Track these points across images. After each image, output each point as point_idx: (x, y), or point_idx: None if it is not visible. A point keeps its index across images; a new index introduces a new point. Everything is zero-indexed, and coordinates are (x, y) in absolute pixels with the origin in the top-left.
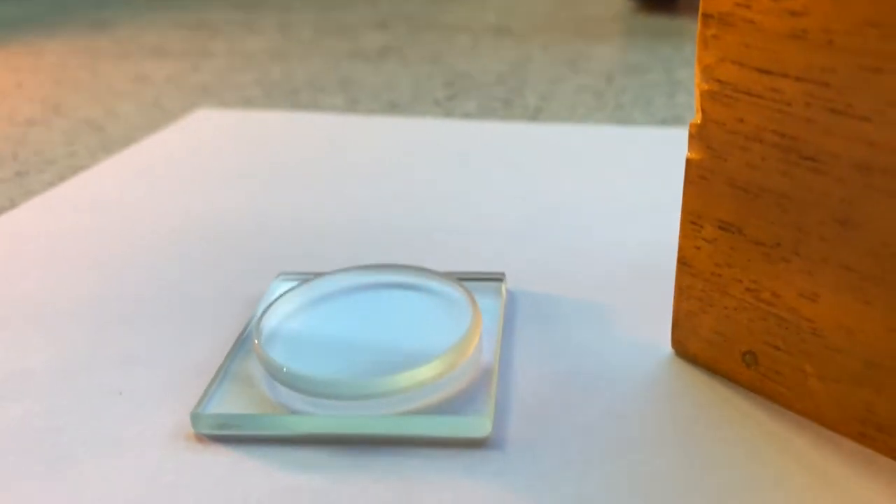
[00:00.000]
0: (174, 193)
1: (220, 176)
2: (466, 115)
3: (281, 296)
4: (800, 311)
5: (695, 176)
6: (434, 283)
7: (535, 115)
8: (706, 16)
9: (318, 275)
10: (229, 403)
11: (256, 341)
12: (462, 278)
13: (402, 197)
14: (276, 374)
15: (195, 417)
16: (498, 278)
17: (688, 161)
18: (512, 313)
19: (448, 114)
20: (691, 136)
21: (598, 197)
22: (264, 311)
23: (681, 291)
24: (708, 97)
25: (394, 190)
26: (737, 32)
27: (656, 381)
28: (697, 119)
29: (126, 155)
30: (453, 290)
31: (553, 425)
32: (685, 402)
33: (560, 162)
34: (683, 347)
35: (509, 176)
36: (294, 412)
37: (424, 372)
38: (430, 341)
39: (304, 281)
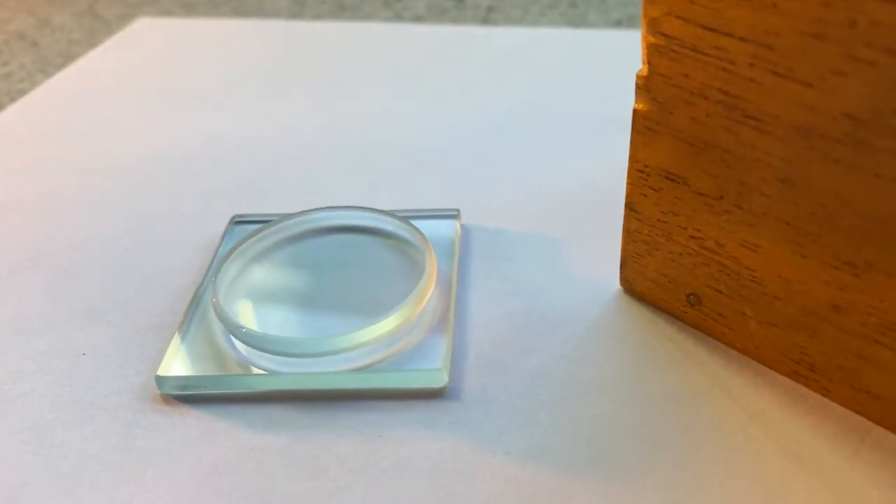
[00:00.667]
0: (120, 122)
1: (167, 98)
2: (417, 18)
3: (235, 247)
4: (741, 260)
5: (641, 126)
6: (389, 226)
7: (486, 14)
8: (635, 112)
9: (269, 222)
10: (192, 363)
11: (214, 299)
12: (417, 216)
13: (350, 115)
14: (236, 333)
15: (160, 380)
16: (452, 215)
17: (635, 111)
18: (466, 251)
19: (398, 16)
20: (638, 88)
21: (553, 111)
22: (220, 265)
23: (628, 234)
24: (654, 50)
25: (342, 108)
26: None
27: (605, 320)
28: (644, 71)
29: (66, 76)
30: (408, 234)
31: (507, 371)
32: (632, 342)
33: (512, 69)
34: (631, 286)
35: (461, 88)
36: (255, 370)
37: (382, 326)
38: (387, 291)
39: (257, 231)
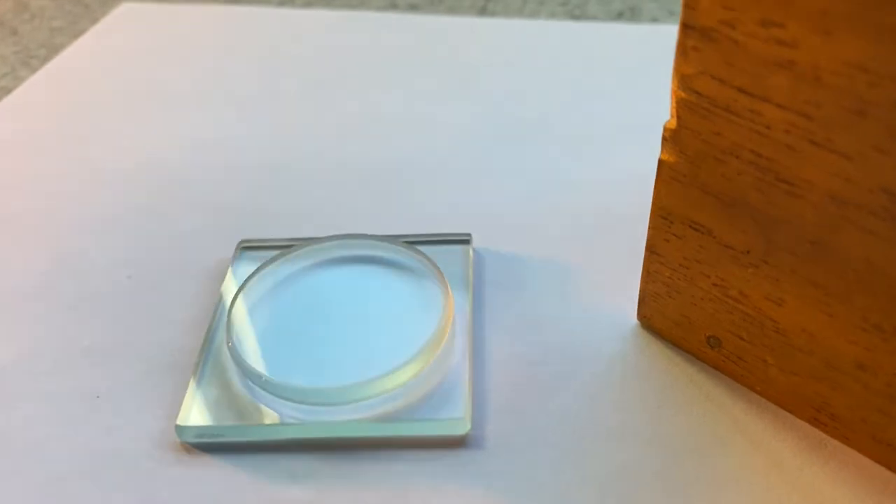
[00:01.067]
0: (111, 125)
1: (158, 95)
2: (412, 6)
3: (244, 284)
4: (765, 311)
5: (667, 177)
6: (402, 257)
7: (485, 4)
8: (687, 26)
9: (277, 254)
10: (211, 410)
11: (229, 343)
12: (428, 241)
13: (348, 116)
14: (255, 380)
15: (180, 430)
16: (465, 240)
17: (660, 162)
18: (479, 278)
19: (393, 5)
20: (665, 140)
21: (559, 113)
22: (230, 302)
23: (648, 274)
24: (684, 106)
25: (339, 108)
26: (719, 49)
27: (624, 359)
28: (672, 124)
29: (50, 71)
30: (423, 266)
31: (528, 416)
32: (652, 383)
33: (511, 64)
34: (649, 323)
35: (460, 85)
36: (275, 418)
37: (404, 374)
38: (404, 329)
39: (265, 264)
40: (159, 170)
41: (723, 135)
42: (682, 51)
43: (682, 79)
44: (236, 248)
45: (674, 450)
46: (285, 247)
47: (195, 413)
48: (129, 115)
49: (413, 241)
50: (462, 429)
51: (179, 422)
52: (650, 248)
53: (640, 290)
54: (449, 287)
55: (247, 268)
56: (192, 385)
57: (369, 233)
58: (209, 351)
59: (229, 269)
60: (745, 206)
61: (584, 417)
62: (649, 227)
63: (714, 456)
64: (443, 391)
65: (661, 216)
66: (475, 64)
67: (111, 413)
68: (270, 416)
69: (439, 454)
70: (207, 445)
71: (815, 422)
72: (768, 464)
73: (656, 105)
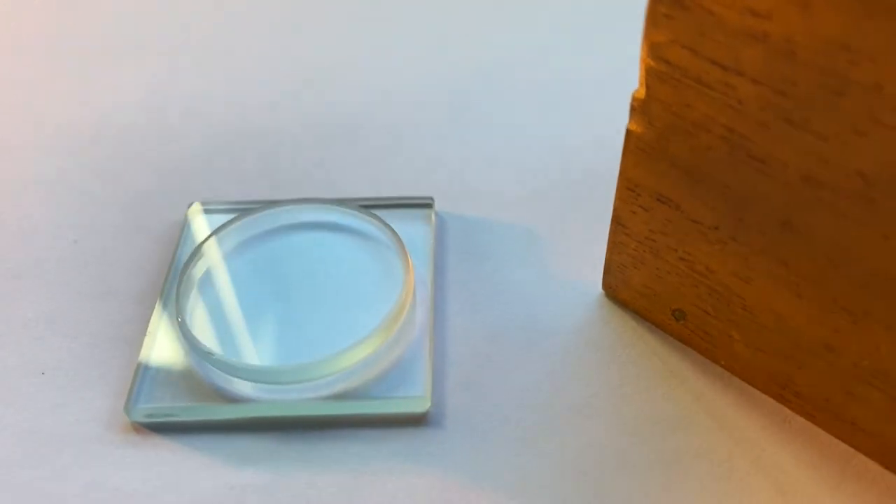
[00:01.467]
0: (50, 77)
1: (103, 46)
2: None
3: (195, 252)
4: (732, 287)
5: (634, 147)
6: (362, 224)
7: None
8: (629, 132)
9: (231, 220)
10: (161, 389)
11: (180, 319)
12: (388, 205)
13: (307, 69)
14: (206, 359)
15: (129, 408)
16: (426, 203)
17: (628, 132)
18: (441, 246)
19: None
20: (633, 109)
21: (531, 70)
22: (181, 274)
23: (614, 245)
24: (654, 75)
25: (297, 58)
26: (692, 18)
27: (588, 331)
28: (641, 93)
29: None
30: (383, 234)
31: (490, 392)
32: (617, 357)
33: (480, 14)
34: (614, 293)
35: (427, 32)
36: (229, 398)
37: (362, 350)
38: (363, 301)
39: (218, 230)
40: (106, 126)
41: (693, 107)
42: (653, 18)
43: (652, 47)
44: (188, 211)
45: (636, 428)
46: (238, 210)
47: (145, 391)
48: (72, 67)
49: (373, 205)
50: (422, 406)
51: (129, 400)
52: (616, 220)
53: (606, 261)
54: (409, 258)
55: (199, 232)
56: (141, 361)
57: (326, 194)
58: (159, 324)
59: (180, 234)
60: (715, 181)
61: (547, 393)
62: (616, 198)
63: (677, 434)
64: (402, 367)
65: (628, 188)
66: (438, 11)
67: (57, 390)
68: (224, 395)
69: (399, 433)
70: (158, 425)
71: (780, 398)
72: (731, 442)
73: (631, 62)
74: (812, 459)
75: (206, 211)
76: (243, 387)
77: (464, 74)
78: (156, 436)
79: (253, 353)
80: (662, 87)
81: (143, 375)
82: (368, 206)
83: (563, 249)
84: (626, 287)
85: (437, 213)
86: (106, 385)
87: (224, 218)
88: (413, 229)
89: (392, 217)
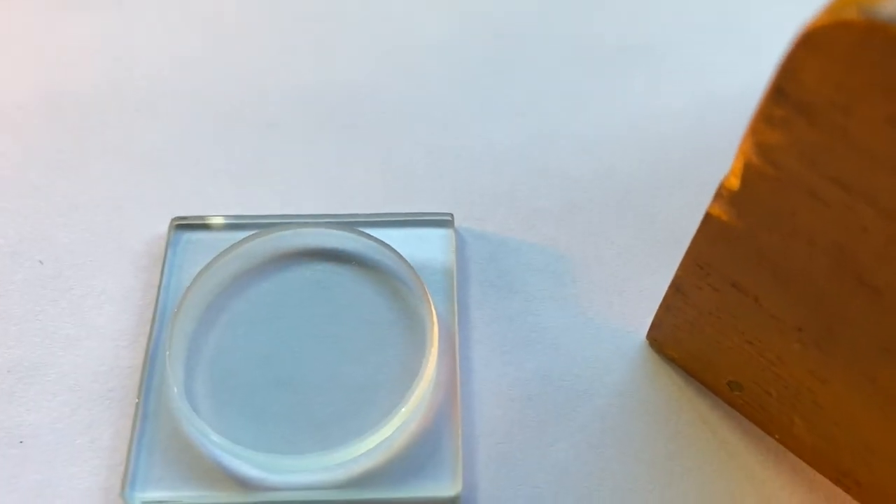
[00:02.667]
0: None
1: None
2: None
3: (184, 297)
4: (804, 382)
5: (714, 233)
6: (374, 253)
7: None
8: (780, 93)
9: (222, 253)
10: (162, 468)
11: (176, 389)
12: (402, 221)
13: (300, 41)
14: (207, 437)
15: (127, 496)
16: (445, 221)
17: (709, 216)
18: (464, 274)
19: None
20: (720, 196)
21: (562, 38)
22: (172, 323)
23: (668, 308)
24: (755, 172)
25: (288, 32)
26: (819, 132)
27: (632, 389)
28: (733, 185)
29: None
30: (398, 268)
31: (525, 468)
32: (662, 426)
33: None
34: (660, 347)
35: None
36: (236, 479)
37: (382, 433)
38: (381, 370)
39: (206, 268)
40: (66, 106)
41: (799, 216)
42: (768, 117)
43: (761, 146)
44: (169, 227)
45: None
46: (223, 224)
47: (143, 470)
48: (22, 30)
49: (381, 223)
50: (451, 491)
51: (125, 482)
52: (676, 287)
53: (657, 317)
54: (431, 302)
55: (184, 256)
56: (136, 429)
57: (324, 209)
58: (150, 380)
59: (164, 258)
60: (808, 290)
61: (587, 471)
62: (680, 269)
63: None
64: (428, 443)
65: (698, 264)
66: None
67: (40, 465)
68: (231, 476)
69: None
70: None
71: (837, 482)
72: None
73: (692, 30)
74: None
75: (190, 226)
76: (252, 469)
77: (487, 54)
78: None
79: (258, 434)
80: (763, 186)
81: (139, 450)
82: (378, 222)
83: (600, 281)
84: (676, 346)
85: (457, 232)
86: (96, 457)
87: (209, 237)
88: (430, 254)
89: (407, 239)
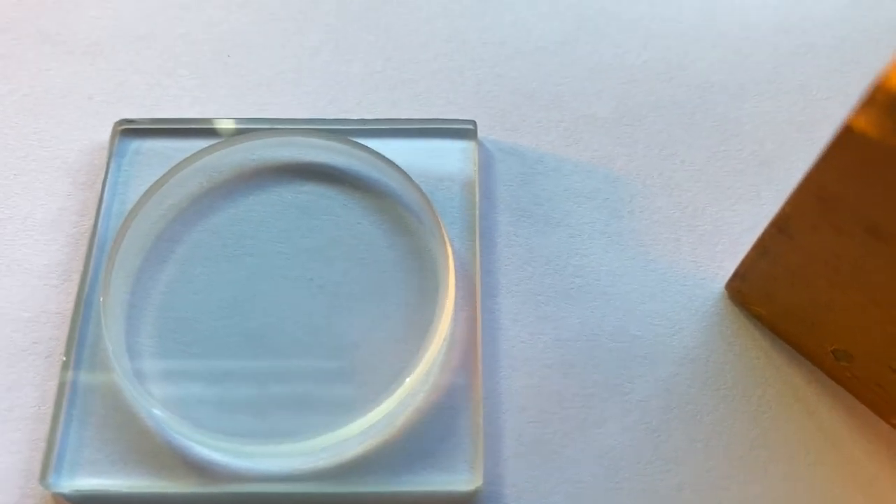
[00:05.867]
0: None
1: None
2: None
3: (127, 224)
4: None
5: (854, 155)
6: (368, 169)
7: None
8: (850, 131)
9: (176, 165)
10: (94, 449)
11: (111, 347)
12: (415, 130)
13: None
14: (152, 410)
15: (48, 481)
16: (466, 131)
17: (848, 129)
18: (489, 200)
19: None
20: (872, 103)
21: None
22: (112, 254)
23: (763, 252)
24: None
25: None
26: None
27: (704, 355)
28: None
29: None
30: (400, 187)
31: (557, 461)
32: (743, 401)
33: None
34: (743, 300)
35: None
36: (190, 464)
37: (380, 411)
38: (381, 327)
39: (155, 187)
40: None
41: None
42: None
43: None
44: (113, 133)
45: None
46: (182, 130)
47: (71, 451)
48: None
49: (383, 131)
50: (470, 484)
51: (47, 467)
52: (780, 226)
53: (744, 263)
54: (446, 236)
55: (131, 170)
56: (63, 399)
57: (318, 111)
58: (84, 332)
59: (106, 173)
60: None
61: (645, 463)
62: (789, 202)
63: None
64: (439, 421)
65: (820, 197)
66: None
67: None
68: (184, 460)
69: None
70: (91, 500)
71: None
72: None
73: None
74: None
75: (138, 132)
76: (213, 453)
77: None
78: None
79: (219, 408)
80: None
81: (68, 423)
82: (380, 131)
83: (667, 212)
84: (766, 300)
85: (481, 145)
86: (15, 429)
87: (162, 145)
88: (446, 173)
89: (416, 153)
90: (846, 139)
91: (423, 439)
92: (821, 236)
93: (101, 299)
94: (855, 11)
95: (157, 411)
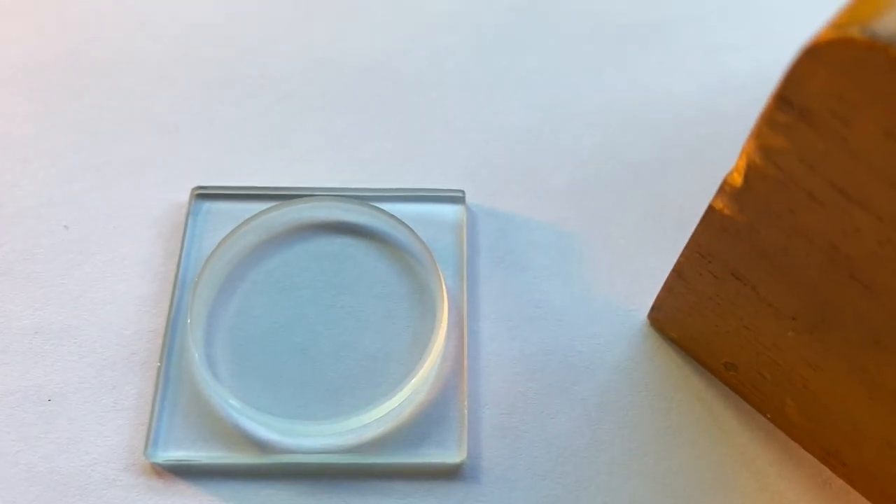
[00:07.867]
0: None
1: None
2: None
3: (205, 266)
4: (797, 368)
5: (716, 226)
6: (383, 226)
7: None
8: (784, 100)
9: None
10: (183, 430)
11: (196, 354)
12: (413, 196)
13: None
14: (226, 401)
15: (150, 453)
16: (457, 197)
17: (711, 209)
18: (474, 249)
19: None
20: (722, 191)
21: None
22: (193, 290)
23: (669, 291)
24: (758, 173)
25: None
26: (821, 139)
27: (632, 367)
28: (736, 181)
29: None
30: (410, 243)
31: (526, 440)
32: (661, 401)
33: None
34: (661, 326)
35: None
36: (253, 442)
37: (391, 403)
38: (393, 341)
39: (226, 239)
40: (89, 70)
41: (797, 215)
42: (770, 122)
43: (764, 149)
44: (190, 196)
45: (678, 486)
46: (243, 195)
47: (164, 431)
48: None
49: (395, 197)
50: (456, 458)
51: (148, 442)
52: (679, 273)
53: (658, 298)
54: (441, 276)
55: (204, 225)
56: (158, 391)
57: (340, 183)
58: (172, 345)
59: (185, 226)
60: (803, 282)
61: (586, 445)
62: (682, 256)
63: (718, 494)
64: (435, 412)
65: (700, 253)
66: None
67: (68, 422)
68: (249, 439)
69: (431, 486)
70: (180, 468)
71: (824, 461)
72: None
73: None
74: None
75: (210, 196)
76: (268, 432)
77: (502, 30)
78: (179, 481)
79: (274, 400)
80: (765, 186)
81: (162, 411)
82: (393, 197)
83: (605, 260)
84: (676, 326)
85: (468, 208)
86: (120, 417)
87: (228, 207)
88: (442, 229)
89: (419, 214)
90: (711, 214)
91: (423, 424)
92: (704, 280)
93: (188, 321)
94: (756, 108)
95: (231, 401)
